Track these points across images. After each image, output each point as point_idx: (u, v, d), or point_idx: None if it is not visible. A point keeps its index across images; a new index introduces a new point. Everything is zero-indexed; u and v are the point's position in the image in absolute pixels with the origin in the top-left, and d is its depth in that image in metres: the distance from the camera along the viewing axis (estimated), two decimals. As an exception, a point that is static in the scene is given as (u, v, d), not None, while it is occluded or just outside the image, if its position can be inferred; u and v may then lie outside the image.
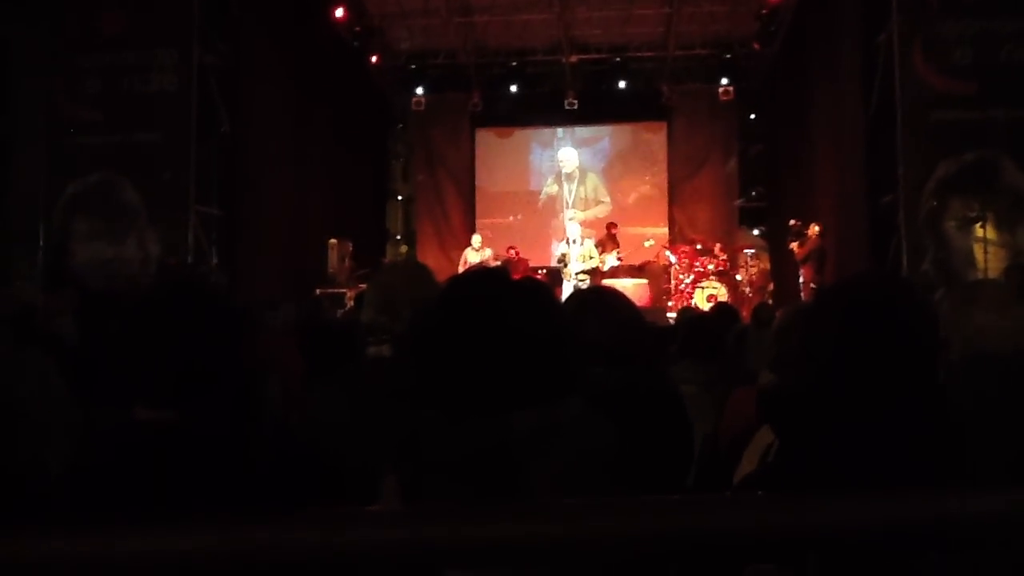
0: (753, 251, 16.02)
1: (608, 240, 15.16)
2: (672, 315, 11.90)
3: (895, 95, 9.80)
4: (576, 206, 17.97)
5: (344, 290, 12.78)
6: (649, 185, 18.19)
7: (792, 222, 12.98)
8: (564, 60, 16.98)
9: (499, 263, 14.87)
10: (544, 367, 1.44)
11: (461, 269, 14.15)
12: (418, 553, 0.97)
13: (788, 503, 1.07)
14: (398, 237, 19.98)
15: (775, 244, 16.42)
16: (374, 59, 16.71)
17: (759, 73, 17.24)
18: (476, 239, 15.52)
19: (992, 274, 8.65)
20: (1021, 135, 9.38)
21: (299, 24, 13.62)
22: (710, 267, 14.63)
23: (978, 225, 9.25)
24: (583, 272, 13.51)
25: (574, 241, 13.87)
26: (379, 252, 17.50)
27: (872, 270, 9.75)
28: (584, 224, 15.34)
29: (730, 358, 4.23)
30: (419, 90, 17.89)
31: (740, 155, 18.39)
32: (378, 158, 19.00)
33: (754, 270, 15.22)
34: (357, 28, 15.77)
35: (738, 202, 18.42)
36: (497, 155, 18.75)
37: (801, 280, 12.40)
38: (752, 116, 18.48)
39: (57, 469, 2.20)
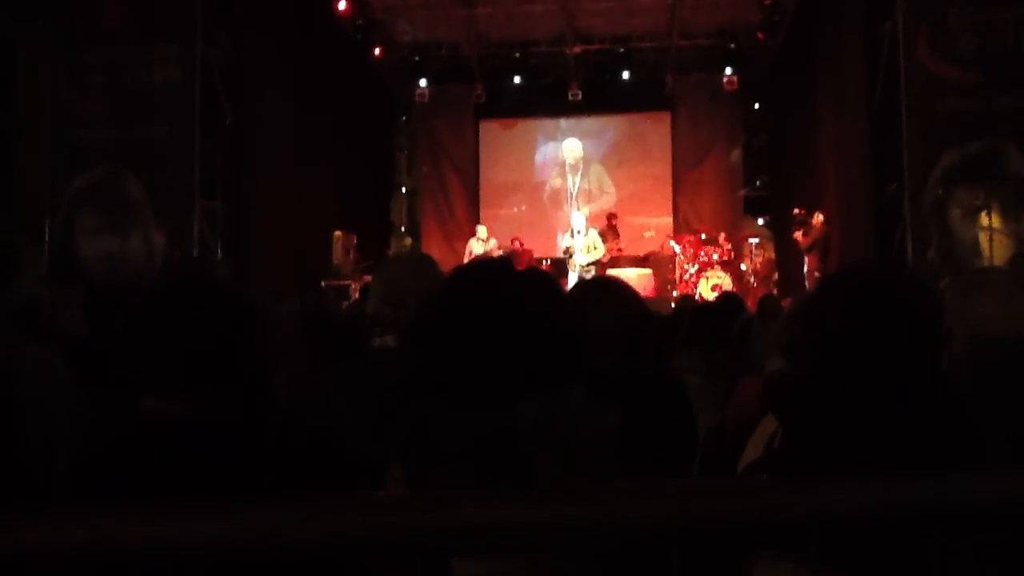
0: (758, 240, 15.99)
1: (609, 231, 15.14)
2: (677, 305, 11.88)
3: (900, 84, 9.76)
4: (580, 197, 17.98)
5: (349, 282, 12.80)
6: (653, 175, 18.16)
7: (796, 211, 12.96)
8: (567, 51, 16.94)
9: (503, 254, 14.88)
10: (548, 356, 1.45)
11: (466, 260, 14.16)
12: (424, 539, 0.98)
13: (790, 488, 1.08)
14: (402, 229, 19.99)
15: (780, 233, 16.40)
16: (377, 51, 16.68)
17: (763, 63, 17.18)
18: (482, 230, 15.52)
19: (997, 262, 8.63)
20: (1026, 124, 9.36)
21: (302, 17, 13.60)
22: (715, 257, 14.61)
23: (983, 214, 9.23)
24: (589, 264, 13.49)
25: (579, 232, 13.85)
26: (384, 244, 17.52)
27: (875, 258, 9.76)
28: (589, 215, 15.31)
29: (735, 348, 4.23)
30: (422, 82, 17.88)
31: (744, 145, 18.36)
32: (382, 150, 19.00)
33: (759, 259, 15.20)
34: (360, 21, 15.73)
35: (742, 192, 18.40)
36: (501, 147, 18.74)
37: (805, 269, 12.39)
38: (756, 106, 18.44)
39: (65, 461, 2.21)
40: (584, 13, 15.83)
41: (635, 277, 14.08)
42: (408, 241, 19.60)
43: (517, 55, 17.29)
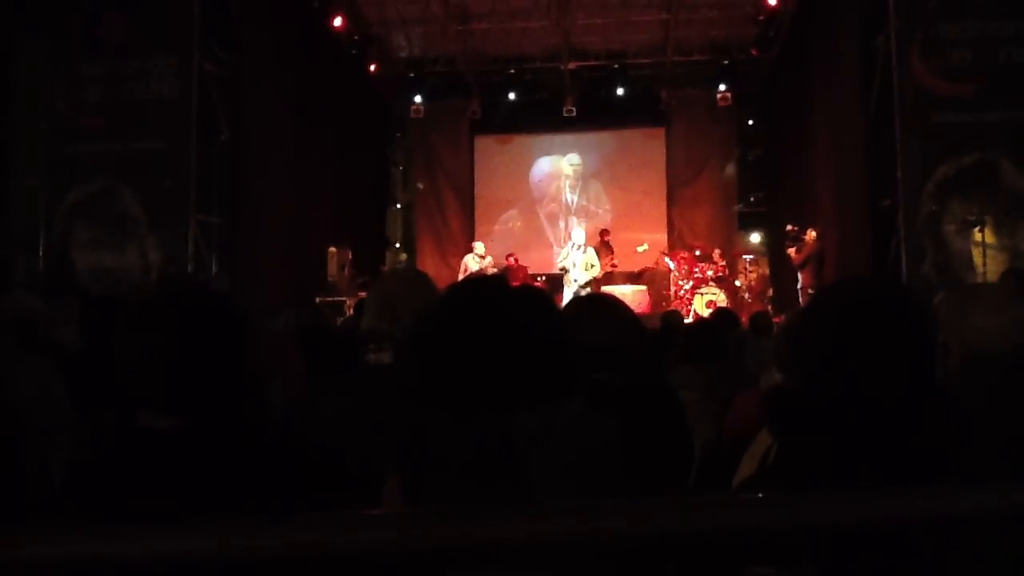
0: (752, 257, 16.01)
1: (602, 247, 15.14)
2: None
3: (894, 98, 9.81)
4: (578, 213, 18.01)
5: (344, 298, 12.79)
6: (647, 191, 18.19)
7: (789, 227, 12.95)
8: (562, 67, 17.00)
9: (498, 271, 14.87)
10: (544, 370, 1.46)
11: (461, 276, 14.15)
12: (421, 554, 0.98)
13: (785, 503, 1.08)
14: (397, 245, 19.99)
15: (774, 249, 16.43)
16: (373, 67, 16.73)
17: (757, 78, 17.27)
18: (479, 246, 15.47)
19: (991, 277, 8.66)
20: (1019, 137, 9.41)
21: (298, 32, 13.65)
22: (709, 273, 14.61)
23: (977, 229, 9.27)
24: (586, 282, 13.45)
25: (578, 247, 13.85)
26: (379, 260, 17.51)
27: (868, 273, 9.78)
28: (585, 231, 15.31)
29: (730, 363, 4.24)
30: (418, 97, 17.91)
31: (739, 160, 18.42)
32: (377, 166, 19.03)
33: (753, 276, 15.20)
34: (356, 36, 15.80)
35: (737, 207, 18.43)
36: (496, 162, 18.76)
37: (799, 285, 12.37)
38: (751, 121, 18.51)
39: (60, 475, 2.21)
40: (579, 29, 15.90)
41: (630, 293, 14.09)
42: (403, 256, 19.60)
43: (512, 71, 17.36)
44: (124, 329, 1.62)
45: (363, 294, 10.64)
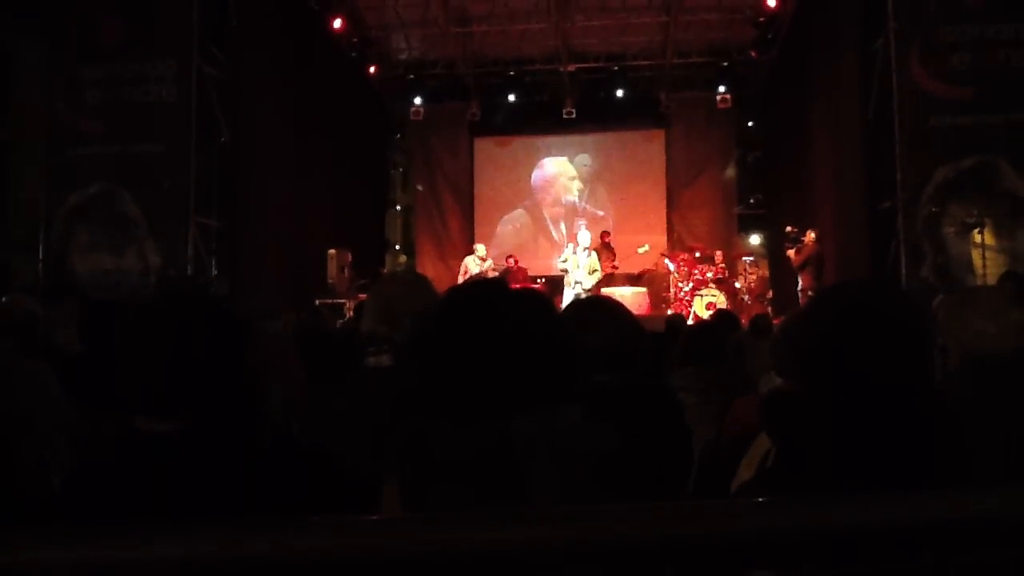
0: (752, 258, 16.01)
1: (603, 249, 15.14)
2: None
3: (893, 100, 9.82)
4: (580, 215, 18.02)
5: (344, 300, 12.78)
6: (647, 193, 18.19)
7: (788, 228, 12.92)
8: (562, 69, 17.01)
9: (498, 273, 14.87)
10: (543, 373, 1.46)
11: (461, 278, 14.16)
12: (420, 560, 0.98)
13: (784, 507, 1.08)
14: (397, 247, 20.01)
15: (774, 251, 16.43)
16: (372, 69, 16.75)
17: (756, 80, 17.28)
18: (480, 248, 15.44)
19: (991, 280, 8.66)
20: (1018, 140, 9.40)
21: (298, 35, 13.65)
22: (709, 275, 14.61)
23: (976, 231, 9.27)
24: (588, 288, 13.44)
25: (583, 250, 13.85)
26: (379, 262, 17.51)
27: (866, 277, 9.78)
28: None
29: (730, 366, 4.24)
30: (417, 100, 17.93)
31: (738, 162, 18.43)
32: (377, 168, 19.04)
33: (753, 277, 15.19)
34: (355, 38, 15.81)
35: (736, 209, 18.44)
36: (495, 164, 18.77)
37: (799, 287, 12.35)
38: (750, 123, 18.52)
39: (59, 478, 2.21)
40: (578, 31, 15.92)
41: (630, 295, 14.08)
42: (403, 259, 19.62)
43: (512, 73, 17.38)
44: (124, 333, 1.62)
45: (363, 296, 10.63)
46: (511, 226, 18.55)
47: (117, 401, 1.63)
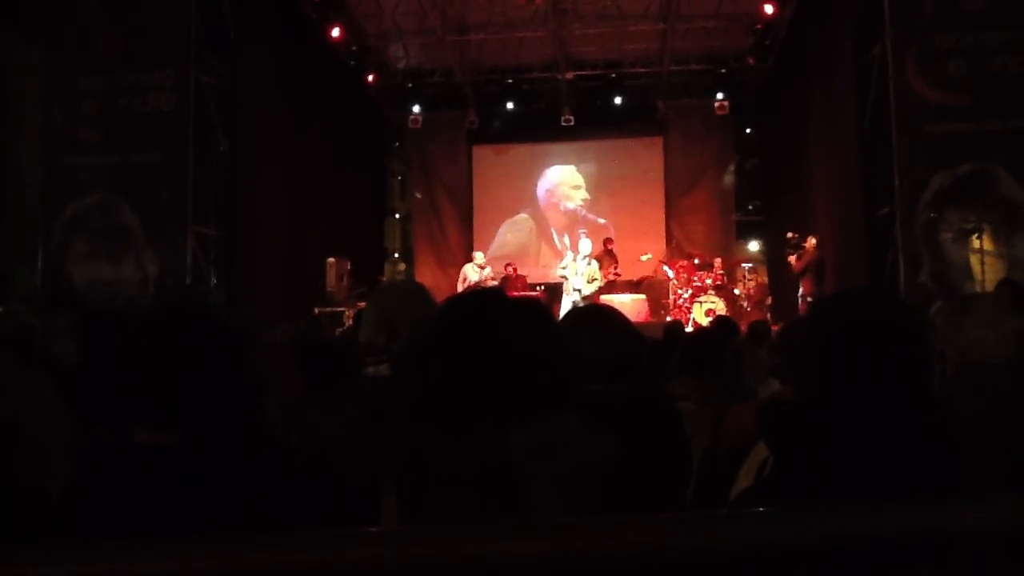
0: (751, 265, 16.02)
1: (605, 255, 15.16)
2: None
3: (890, 107, 9.83)
4: (580, 223, 18.03)
5: (342, 308, 12.79)
6: (645, 200, 18.20)
7: (789, 234, 12.93)
8: (560, 77, 17.04)
9: (497, 281, 14.88)
10: (541, 383, 1.46)
11: (460, 286, 14.15)
12: (419, 573, 0.98)
13: (782, 518, 1.08)
14: (396, 255, 20.00)
15: (773, 257, 16.44)
16: (371, 78, 16.79)
17: (754, 87, 17.32)
18: (479, 256, 15.47)
19: (989, 285, 8.67)
20: (1016, 146, 9.42)
21: (296, 44, 13.67)
22: (708, 281, 14.61)
23: (974, 237, 9.27)
24: (587, 295, 13.43)
25: (583, 258, 13.85)
26: (377, 270, 17.52)
27: (864, 285, 9.79)
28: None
29: (729, 373, 4.24)
30: (416, 108, 17.97)
31: (736, 169, 18.44)
32: (376, 176, 19.06)
33: (752, 284, 15.20)
34: (353, 47, 15.84)
35: (735, 216, 18.46)
36: (494, 172, 18.79)
37: (800, 293, 12.33)
38: (748, 130, 18.54)
39: (57, 491, 2.20)
40: (576, 39, 15.95)
41: (629, 302, 14.07)
42: (402, 266, 19.61)
43: (510, 81, 17.42)
44: (121, 345, 1.62)
45: (362, 304, 10.63)
46: (510, 233, 18.56)
47: (115, 412, 1.63)
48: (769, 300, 15.22)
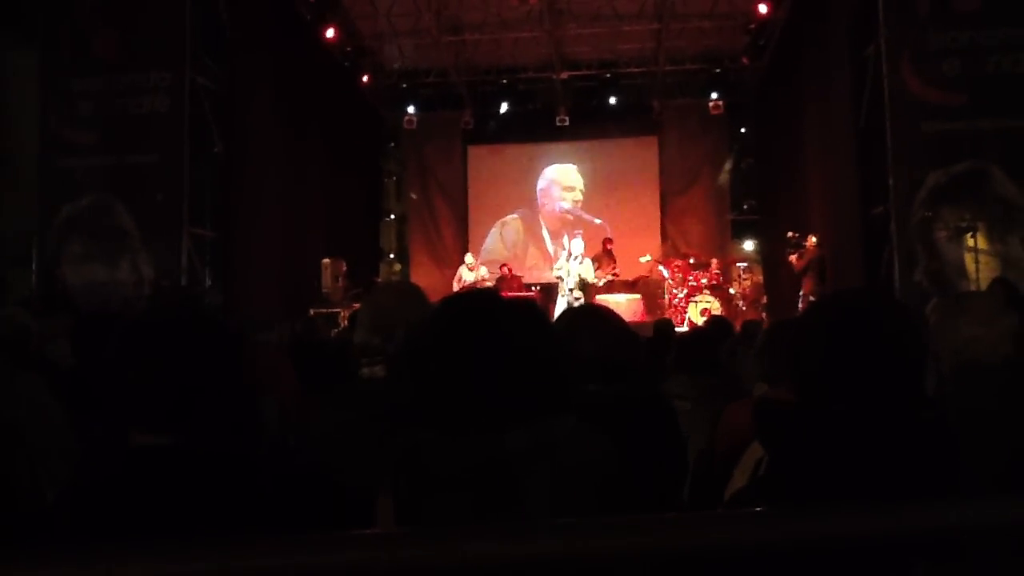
0: (746, 264, 16.04)
1: (604, 255, 15.18)
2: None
3: (884, 106, 9.84)
4: (574, 223, 18.04)
5: (338, 309, 12.78)
6: (641, 200, 18.22)
7: (790, 234, 12.91)
8: (555, 77, 17.05)
9: (492, 281, 14.89)
10: (537, 384, 1.46)
11: (456, 287, 14.17)
12: (416, 574, 0.98)
13: (778, 518, 1.09)
14: (391, 256, 19.99)
15: (768, 257, 16.46)
16: (365, 78, 16.78)
17: (749, 87, 17.34)
18: (469, 258, 15.55)
19: (983, 284, 8.68)
20: (1010, 145, 9.43)
21: (291, 45, 13.67)
22: (703, 281, 14.63)
23: (969, 235, 9.29)
24: (580, 295, 13.45)
25: (575, 258, 13.86)
26: (373, 271, 17.51)
27: (860, 284, 9.80)
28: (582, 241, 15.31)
29: (724, 372, 4.24)
30: (411, 108, 17.97)
31: (731, 168, 18.46)
32: (371, 177, 19.04)
33: (747, 283, 15.22)
34: (348, 48, 15.84)
35: (730, 215, 18.48)
36: (489, 172, 18.79)
37: (801, 292, 12.28)
38: (743, 130, 18.56)
39: (53, 494, 2.20)
40: (571, 40, 15.96)
41: (624, 302, 14.10)
42: (397, 267, 19.60)
43: (505, 81, 17.43)
44: (117, 347, 1.62)
45: (357, 305, 10.62)
46: (499, 235, 18.56)
47: (111, 415, 1.63)
48: (764, 299, 15.24)
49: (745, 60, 16.32)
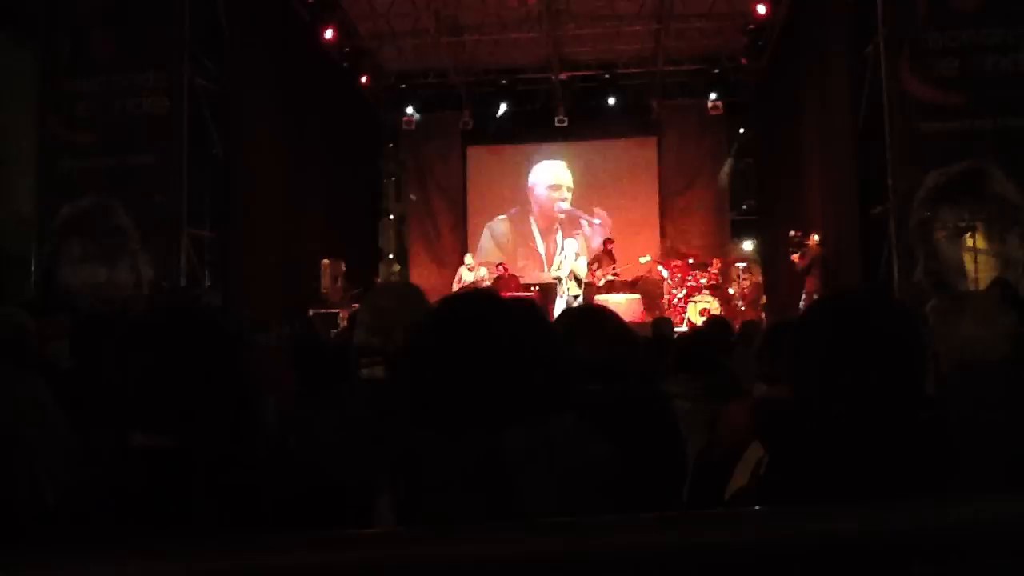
0: (745, 264, 16.04)
1: (605, 255, 15.20)
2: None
3: (883, 106, 9.84)
4: (571, 223, 18.04)
5: (337, 310, 12.78)
6: (640, 200, 18.22)
7: (792, 233, 12.88)
8: (554, 77, 17.06)
9: (491, 281, 14.90)
10: (536, 384, 1.46)
11: (455, 287, 14.19)
12: (414, 573, 0.98)
13: (778, 517, 1.09)
14: (391, 256, 19.99)
15: (767, 257, 16.47)
16: (364, 79, 16.78)
17: (748, 87, 17.34)
18: (469, 258, 15.56)
19: (982, 283, 8.68)
20: (1009, 144, 9.44)
21: (290, 46, 13.67)
22: (703, 281, 14.63)
23: (968, 235, 9.29)
24: (576, 296, 13.48)
25: (568, 257, 13.88)
26: (372, 271, 17.51)
27: (859, 284, 9.80)
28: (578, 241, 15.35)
29: (723, 372, 4.24)
30: (410, 109, 17.98)
31: (731, 169, 18.46)
32: (370, 177, 19.05)
33: (746, 283, 15.22)
34: (347, 49, 15.84)
35: (729, 215, 18.48)
36: (488, 172, 18.80)
37: (804, 292, 12.22)
38: (742, 130, 18.56)
39: (53, 495, 2.20)
40: (570, 40, 15.96)
41: (624, 302, 14.11)
42: (397, 267, 19.59)
43: (504, 82, 17.43)
44: (115, 349, 1.62)
45: (356, 306, 10.62)
46: (494, 234, 18.57)
47: (111, 416, 1.63)
48: (764, 299, 15.24)
49: (744, 60, 16.33)
